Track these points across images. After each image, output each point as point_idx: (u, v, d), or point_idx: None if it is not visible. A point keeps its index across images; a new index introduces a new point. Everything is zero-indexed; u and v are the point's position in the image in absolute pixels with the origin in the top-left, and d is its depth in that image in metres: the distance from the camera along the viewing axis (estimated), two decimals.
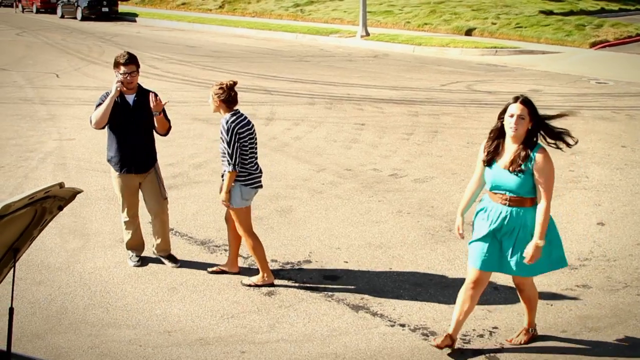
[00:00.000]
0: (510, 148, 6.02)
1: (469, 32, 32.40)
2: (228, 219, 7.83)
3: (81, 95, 18.58)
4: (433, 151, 13.27)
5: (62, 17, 47.93)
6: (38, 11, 52.64)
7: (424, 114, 16.70)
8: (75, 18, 46.46)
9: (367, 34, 32.46)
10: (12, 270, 4.20)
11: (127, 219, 8.23)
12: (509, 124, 5.96)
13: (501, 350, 6.51)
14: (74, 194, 4.17)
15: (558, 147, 6.13)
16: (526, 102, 5.98)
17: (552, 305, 7.33)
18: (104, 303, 7.32)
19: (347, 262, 8.37)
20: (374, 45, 30.88)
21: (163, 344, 6.54)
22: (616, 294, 7.59)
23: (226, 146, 7.30)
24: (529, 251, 5.93)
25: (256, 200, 10.07)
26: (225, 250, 8.41)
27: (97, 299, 7.41)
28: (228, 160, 7.32)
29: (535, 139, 5.99)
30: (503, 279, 7.43)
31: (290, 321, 7.00)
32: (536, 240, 5.89)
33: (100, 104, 7.89)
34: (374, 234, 9.19)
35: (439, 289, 7.71)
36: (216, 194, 9.22)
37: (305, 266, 8.23)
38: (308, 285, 7.77)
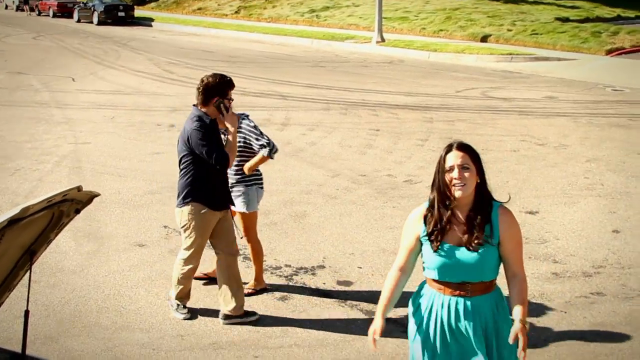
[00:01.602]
0: (459, 217, 4.38)
1: (484, 39, 32.36)
2: (246, 231, 7.70)
3: (97, 99, 18.66)
4: None
5: (79, 21, 48.21)
6: (55, 15, 52.95)
7: (438, 120, 16.69)
8: (92, 22, 46.72)
9: (383, 40, 32.45)
10: (28, 273, 4.22)
11: (194, 264, 7.15)
12: (451, 180, 4.33)
13: None
14: (91, 197, 4.20)
15: None
16: (465, 147, 4.40)
17: (566, 312, 7.31)
18: (118, 306, 7.35)
19: (360, 267, 8.37)
20: (390, 51, 30.87)
21: (176, 348, 6.56)
22: (631, 301, 7.56)
23: (259, 135, 7.29)
24: (519, 336, 4.18)
25: (270, 205, 10.10)
26: (246, 257, 8.39)
27: (111, 302, 7.44)
28: (263, 145, 7.28)
29: (488, 197, 4.42)
30: None
31: (304, 326, 7.00)
32: (523, 322, 4.21)
33: (209, 140, 6.62)
34: (388, 240, 9.18)
35: None
36: None
37: (318, 271, 8.24)
38: (321, 290, 7.78)
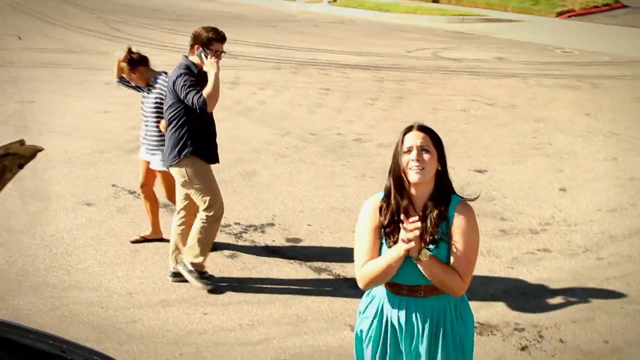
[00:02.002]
0: (417, 209, 3.87)
1: (436, 0, 32.37)
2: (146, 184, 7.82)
3: (43, 58, 18.34)
4: (397, 116, 13.29)
5: None
6: None
7: (389, 79, 16.71)
8: None
9: (334, 0, 32.32)
10: None
11: (218, 213, 6.91)
12: (409, 163, 3.80)
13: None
14: (34, 151, 4.13)
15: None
16: (427, 129, 3.91)
17: (513, 268, 7.42)
18: (66, 265, 7.29)
19: (310, 225, 8.40)
20: (341, 11, 30.77)
21: (125, 306, 6.54)
22: (576, 258, 7.70)
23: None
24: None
25: (220, 163, 10.04)
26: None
27: (59, 261, 7.38)
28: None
29: (449, 189, 3.93)
30: None
31: (253, 283, 7.02)
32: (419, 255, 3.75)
33: (192, 84, 6.59)
34: (338, 198, 9.22)
35: None
36: None
37: (268, 229, 8.25)
38: (271, 247, 7.79)
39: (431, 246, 3.75)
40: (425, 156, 3.79)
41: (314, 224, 8.43)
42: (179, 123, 6.70)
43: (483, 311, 6.54)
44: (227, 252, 7.63)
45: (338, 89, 15.65)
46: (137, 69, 7.47)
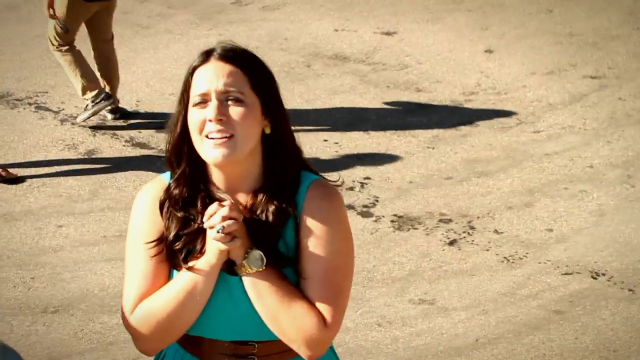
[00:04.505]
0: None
1: None
2: None
3: None
4: None
5: None
6: None
7: None
8: None
9: None
10: None
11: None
12: (203, 127, 2.60)
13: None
14: None
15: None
16: (236, 55, 2.72)
17: (434, 148, 7.51)
18: None
19: None
20: None
21: None
22: (509, 132, 7.82)
23: None
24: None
25: None
26: None
27: None
28: None
29: (291, 162, 2.71)
30: None
31: (117, 185, 6.96)
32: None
33: None
34: None
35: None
36: None
37: (132, 119, 8.14)
38: (137, 141, 7.72)
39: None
40: (234, 113, 2.59)
41: None
42: None
43: (400, 201, 6.64)
44: (82, 149, 7.53)
45: None
46: None
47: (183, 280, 2.60)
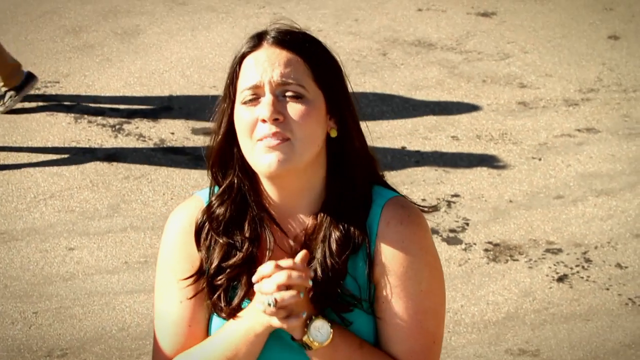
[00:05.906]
0: (286, 233, 2.68)
1: None
2: None
3: None
4: None
5: None
6: None
7: None
8: None
9: None
10: None
11: None
12: (254, 129, 2.59)
13: None
14: None
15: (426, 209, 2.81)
16: (294, 40, 2.66)
17: (540, 159, 7.41)
18: None
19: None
20: None
21: None
22: (637, 139, 7.69)
23: None
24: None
25: (82, 18, 9.84)
26: None
27: None
28: None
29: (364, 175, 2.68)
30: None
31: (143, 199, 7.04)
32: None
33: None
34: None
35: None
36: None
37: (163, 115, 8.15)
38: (168, 145, 7.71)
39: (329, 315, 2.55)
40: (293, 111, 2.56)
41: None
42: None
43: (497, 225, 6.58)
44: (100, 154, 7.56)
45: None
46: None
47: (222, 343, 2.57)
